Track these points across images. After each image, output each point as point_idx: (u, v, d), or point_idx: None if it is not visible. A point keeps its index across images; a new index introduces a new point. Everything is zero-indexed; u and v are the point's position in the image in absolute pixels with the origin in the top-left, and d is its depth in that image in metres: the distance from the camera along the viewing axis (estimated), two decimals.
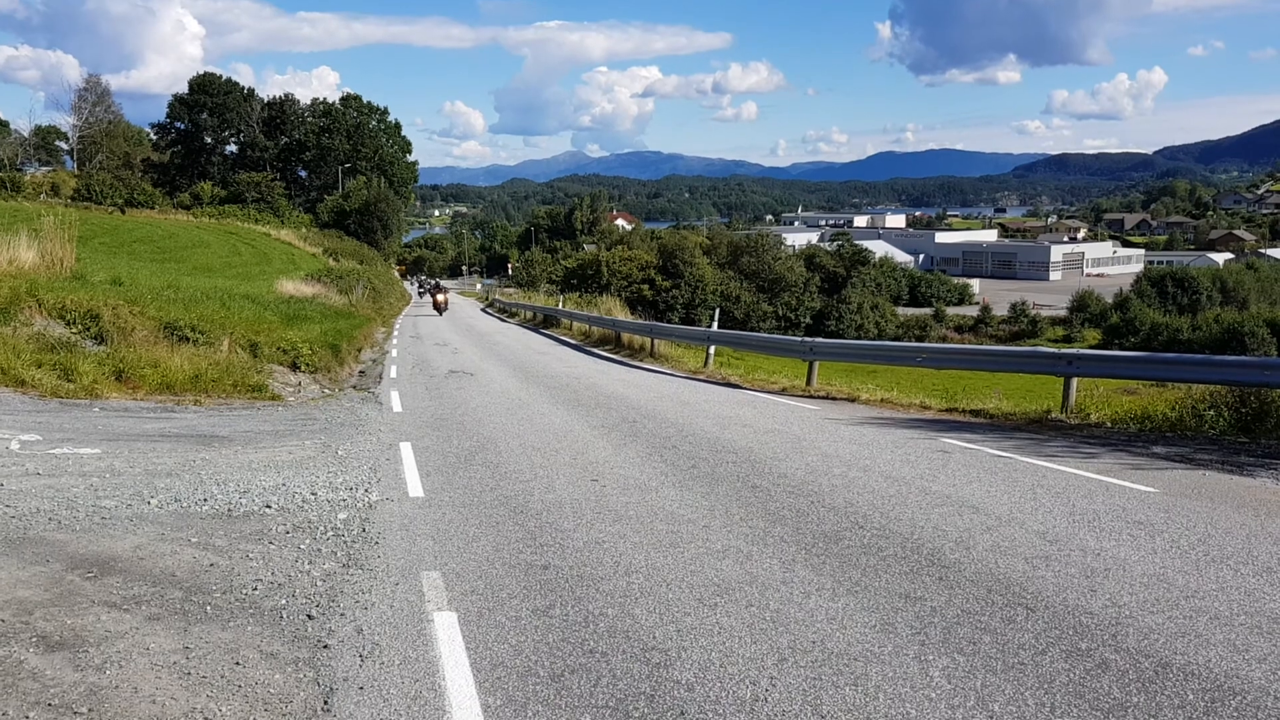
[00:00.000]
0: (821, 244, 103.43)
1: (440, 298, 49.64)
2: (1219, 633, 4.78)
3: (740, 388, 17.31)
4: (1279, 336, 53.06)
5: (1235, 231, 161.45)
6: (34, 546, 6.00)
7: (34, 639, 4.58)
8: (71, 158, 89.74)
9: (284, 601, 5.30)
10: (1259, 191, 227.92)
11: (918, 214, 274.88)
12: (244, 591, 5.42)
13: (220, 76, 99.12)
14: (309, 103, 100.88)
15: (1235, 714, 3.94)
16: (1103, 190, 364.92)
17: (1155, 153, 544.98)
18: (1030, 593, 5.40)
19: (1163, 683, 4.22)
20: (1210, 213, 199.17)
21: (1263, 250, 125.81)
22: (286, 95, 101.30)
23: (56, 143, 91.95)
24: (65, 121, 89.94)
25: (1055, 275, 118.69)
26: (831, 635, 4.82)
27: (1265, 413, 10.93)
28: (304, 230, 77.01)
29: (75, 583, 5.39)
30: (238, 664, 4.46)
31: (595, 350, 27.30)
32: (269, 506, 7.32)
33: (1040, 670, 4.37)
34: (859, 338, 61.70)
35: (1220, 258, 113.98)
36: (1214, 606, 5.15)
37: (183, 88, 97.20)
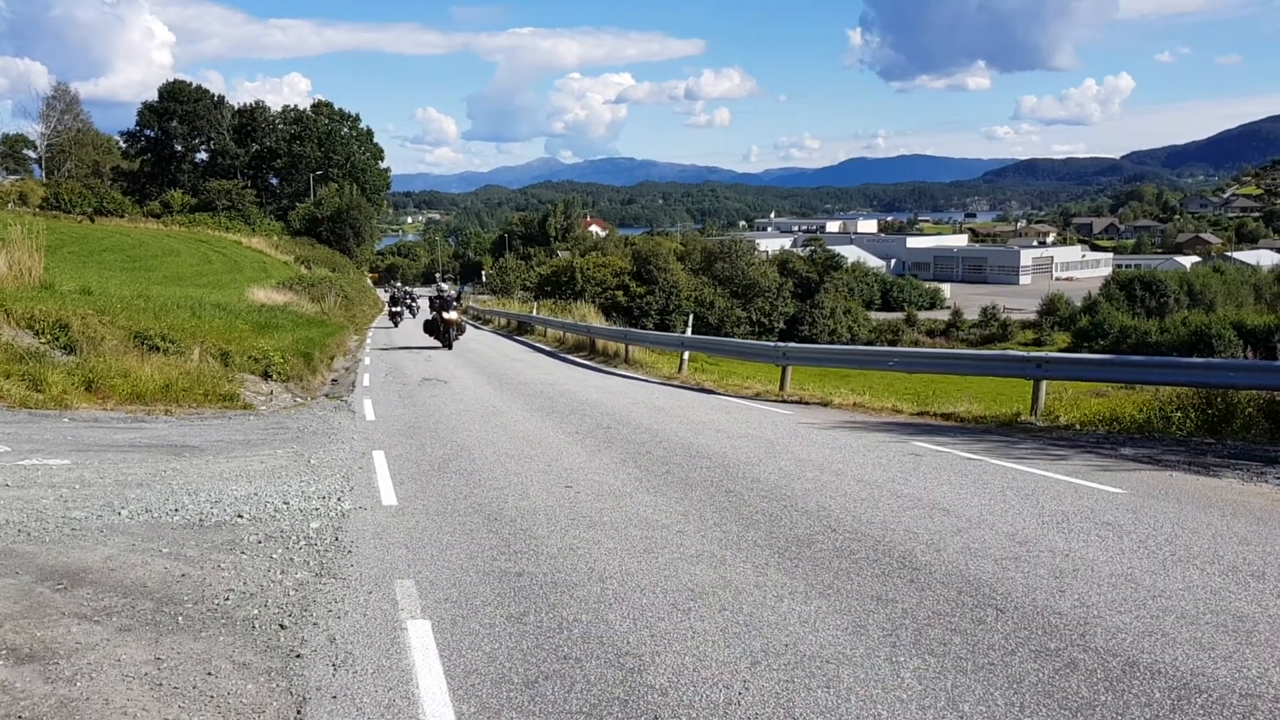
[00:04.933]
0: (794, 249, 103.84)
1: (451, 315, 29.05)
2: (1185, 631, 4.85)
3: (714, 393, 17.36)
4: (1245, 339, 53.65)
5: (1202, 235, 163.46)
6: (2, 559, 5.93)
7: (3, 651, 4.54)
8: (40, 166, 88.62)
9: (256, 611, 5.27)
10: (1225, 195, 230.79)
11: (889, 219, 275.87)
12: (216, 602, 5.39)
13: (190, 84, 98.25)
14: (280, 110, 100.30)
15: (1201, 711, 4.00)
16: (1071, 195, 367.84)
17: (1123, 157, 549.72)
18: (1000, 594, 5.46)
19: (1130, 681, 4.28)
20: (1177, 216, 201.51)
21: (1229, 253, 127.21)
22: (257, 102, 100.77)
23: (24, 151, 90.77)
24: (33, 130, 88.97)
25: (1025, 279, 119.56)
26: (804, 638, 4.85)
27: (1231, 414, 11.09)
28: (275, 238, 76.42)
29: (45, 594, 5.34)
30: (210, 674, 4.43)
31: (570, 356, 27.29)
32: (241, 516, 7.28)
33: (1010, 670, 4.42)
34: (832, 342, 61.97)
35: (1187, 261, 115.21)
36: (1180, 606, 5.22)
37: (152, 95, 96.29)
